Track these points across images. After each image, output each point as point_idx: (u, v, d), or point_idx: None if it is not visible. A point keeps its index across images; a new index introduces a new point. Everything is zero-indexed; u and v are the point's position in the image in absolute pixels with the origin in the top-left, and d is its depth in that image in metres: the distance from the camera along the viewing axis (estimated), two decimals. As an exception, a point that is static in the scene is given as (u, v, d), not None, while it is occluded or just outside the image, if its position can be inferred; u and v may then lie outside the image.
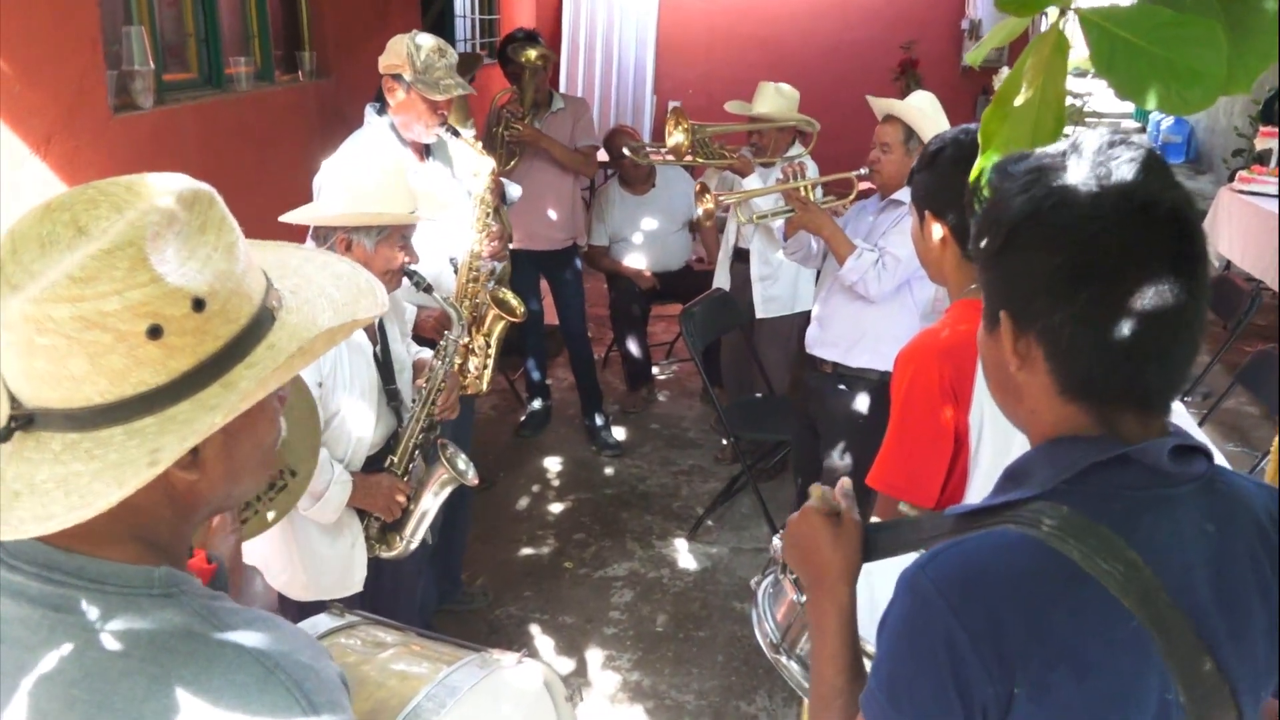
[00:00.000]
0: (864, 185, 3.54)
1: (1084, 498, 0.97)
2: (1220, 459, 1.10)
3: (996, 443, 1.69)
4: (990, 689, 0.92)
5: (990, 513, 1.02)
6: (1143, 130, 11.72)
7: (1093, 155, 0.96)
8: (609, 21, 9.21)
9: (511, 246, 3.88)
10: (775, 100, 4.23)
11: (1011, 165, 1.00)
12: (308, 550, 2.39)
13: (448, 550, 3.43)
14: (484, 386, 3.33)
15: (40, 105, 2.62)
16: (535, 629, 3.53)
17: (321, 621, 1.87)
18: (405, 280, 2.44)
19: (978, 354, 1.12)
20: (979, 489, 1.72)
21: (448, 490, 2.54)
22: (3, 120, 2.51)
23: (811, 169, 3.95)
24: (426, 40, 3.01)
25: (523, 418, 5.16)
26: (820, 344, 3.32)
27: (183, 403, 0.86)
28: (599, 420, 4.98)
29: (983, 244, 1.03)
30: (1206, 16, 0.86)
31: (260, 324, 0.91)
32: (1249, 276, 5.83)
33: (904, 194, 3.13)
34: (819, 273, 3.61)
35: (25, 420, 0.85)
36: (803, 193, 3.36)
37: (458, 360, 2.92)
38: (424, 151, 3.17)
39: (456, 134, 3.12)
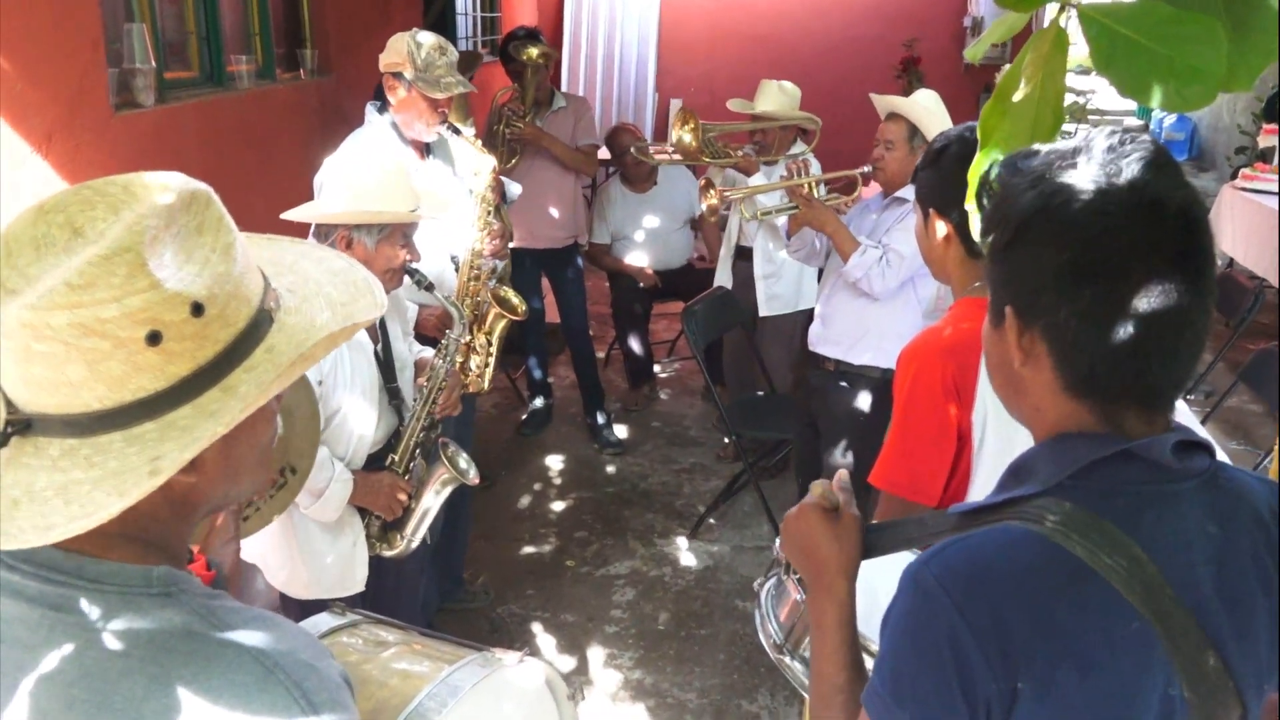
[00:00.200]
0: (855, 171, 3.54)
1: (1087, 494, 0.97)
2: (1223, 457, 1.10)
3: (999, 441, 1.69)
4: (994, 685, 0.92)
5: (994, 509, 1.02)
6: (1146, 128, 11.71)
7: (1103, 153, 0.96)
8: (610, 19, 9.21)
9: (513, 245, 3.88)
10: (778, 98, 4.23)
11: (1021, 161, 1.00)
12: (309, 549, 2.38)
13: (449, 549, 3.43)
14: (485, 385, 3.33)
15: (41, 103, 2.62)
16: (537, 627, 3.53)
17: (323, 620, 1.87)
18: (407, 279, 2.44)
19: (981, 351, 1.12)
20: (982, 487, 1.71)
21: (449, 489, 2.54)
22: (3, 118, 2.51)
23: (814, 166, 3.95)
24: (427, 38, 3.01)
25: (524, 416, 5.16)
26: (823, 342, 3.32)
27: (182, 408, 0.85)
28: (600, 418, 4.98)
29: (990, 239, 1.03)
30: (1208, 13, 0.86)
31: (258, 326, 0.90)
32: (1252, 274, 5.83)
33: (907, 191, 3.13)
34: (821, 271, 3.60)
35: (22, 425, 0.84)
36: (806, 189, 3.36)
37: (459, 359, 2.92)
38: (425, 150, 3.17)
39: (457, 132, 3.12)
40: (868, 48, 9.00)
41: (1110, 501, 0.96)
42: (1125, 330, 0.93)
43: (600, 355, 5.71)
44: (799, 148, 4.27)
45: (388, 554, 2.51)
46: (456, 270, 3.15)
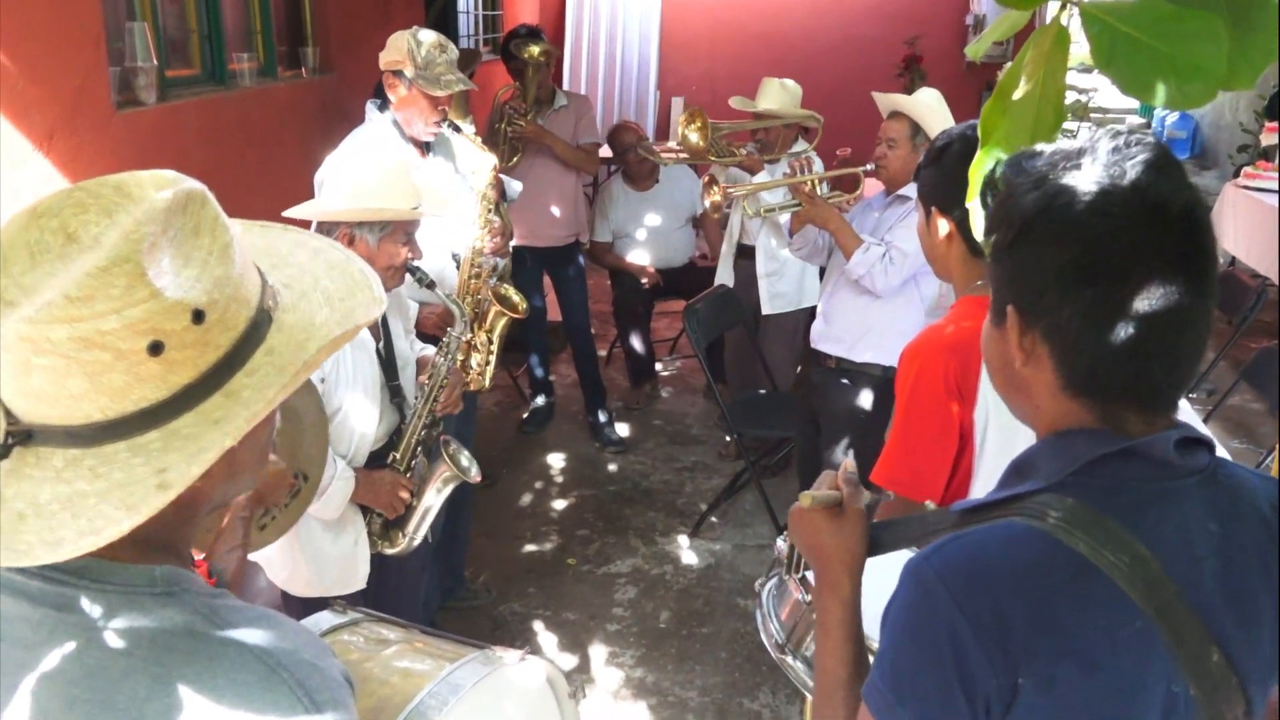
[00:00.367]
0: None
1: (1090, 490, 0.97)
2: (1225, 455, 1.10)
3: (1001, 439, 1.69)
4: (994, 681, 0.92)
5: (996, 506, 1.02)
6: (1148, 126, 11.70)
7: (1107, 154, 0.96)
8: (612, 17, 9.20)
9: (514, 243, 3.88)
10: (779, 96, 4.23)
11: (1025, 161, 1.00)
12: (310, 547, 2.39)
13: (451, 547, 3.43)
14: (486, 383, 3.33)
15: (42, 102, 2.62)
16: (538, 626, 3.53)
17: (324, 618, 1.87)
18: (408, 276, 2.44)
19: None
20: (983, 486, 1.71)
21: (450, 487, 2.55)
22: (5, 117, 2.51)
23: (816, 164, 3.95)
24: (427, 36, 3.01)
25: (526, 414, 5.16)
26: (825, 339, 3.32)
27: (185, 415, 0.84)
28: (602, 417, 4.98)
29: (993, 238, 1.02)
30: (1209, 11, 0.85)
31: (258, 327, 0.89)
32: (1254, 272, 5.82)
33: (910, 189, 3.13)
34: (823, 270, 3.60)
35: (23, 436, 0.83)
36: (809, 187, 3.36)
37: (460, 357, 2.92)
38: (426, 147, 3.17)
39: (458, 130, 3.12)
40: (869, 46, 8.99)
41: (1112, 498, 0.96)
42: (1127, 331, 0.93)
43: (602, 353, 5.71)
44: (800, 146, 4.27)
45: (389, 552, 2.51)
46: (458, 268, 3.15)
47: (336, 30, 4.54)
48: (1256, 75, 0.90)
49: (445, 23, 6.10)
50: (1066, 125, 1.00)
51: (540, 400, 5.16)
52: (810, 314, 3.78)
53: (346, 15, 4.62)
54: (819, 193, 3.41)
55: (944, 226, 1.88)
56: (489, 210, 3.18)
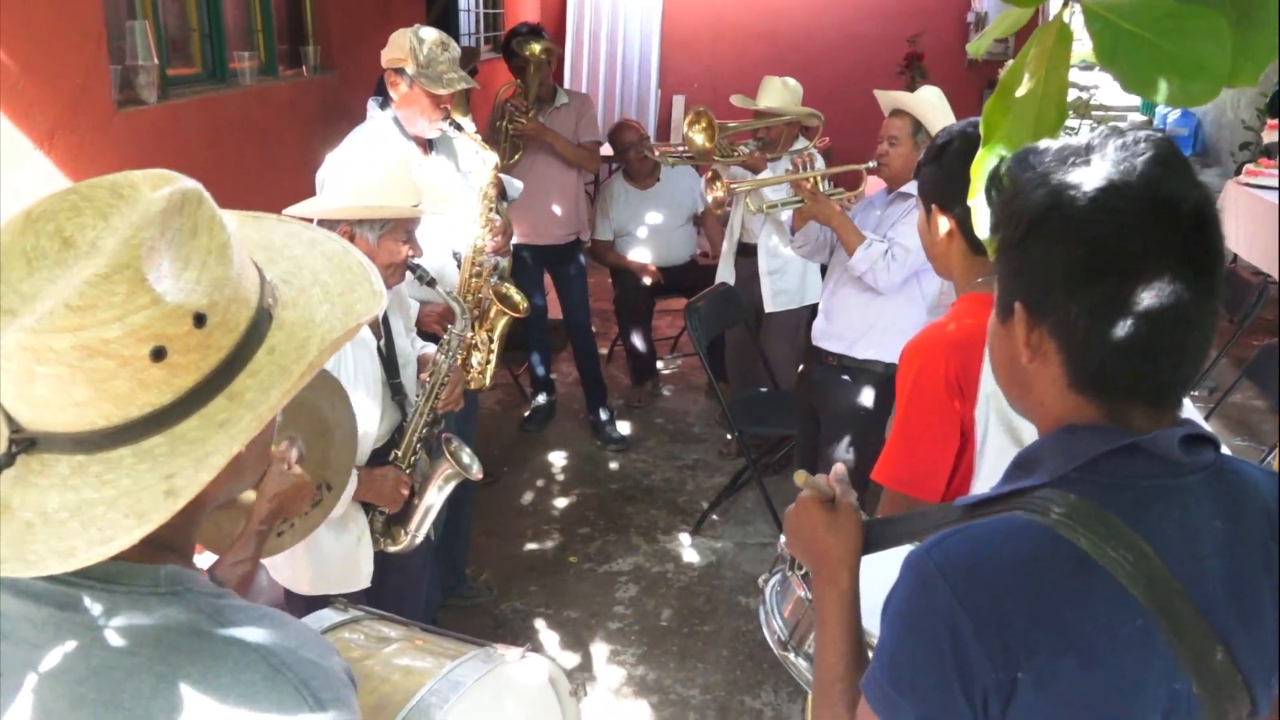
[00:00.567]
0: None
1: (1093, 486, 0.96)
2: (1226, 453, 1.10)
3: (1002, 438, 1.68)
4: (993, 676, 0.92)
5: (998, 501, 1.01)
6: (1149, 123, 11.70)
7: (1115, 150, 0.95)
8: (613, 15, 9.20)
9: (515, 241, 3.88)
10: (781, 94, 4.23)
11: (1033, 156, 0.99)
12: (313, 544, 2.38)
13: (452, 545, 3.43)
14: (487, 381, 3.33)
15: (43, 100, 2.62)
16: (540, 624, 3.53)
17: (326, 616, 1.88)
18: (409, 274, 2.44)
19: (985, 347, 1.12)
20: (984, 484, 1.71)
21: (452, 484, 2.55)
22: (6, 116, 2.51)
23: (818, 161, 3.95)
24: (429, 34, 3.00)
25: (527, 413, 5.16)
26: (826, 336, 3.32)
27: (190, 419, 0.84)
28: (603, 415, 4.98)
29: (999, 235, 1.02)
30: (1212, 8, 0.85)
31: (259, 326, 0.89)
32: (1256, 270, 5.81)
33: (912, 187, 3.13)
34: (825, 267, 3.60)
35: (27, 443, 0.83)
36: (812, 184, 3.36)
37: (461, 355, 2.92)
38: (428, 145, 3.17)
39: (460, 128, 3.12)
40: (870, 43, 9.00)
41: (1116, 495, 0.96)
42: (1136, 329, 0.93)
43: (603, 351, 5.71)
44: (801, 144, 4.27)
45: (392, 549, 2.51)
46: (459, 267, 3.15)
47: (337, 29, 4.54)
48: (1259, 72, 0.90)
49: (446, 21, 6.10)
50: (1068, 123, 1.00)
51: (541, 398, 5.16)
52: (812, 312, 3.77)
53: (347, 14, 4.62)
54: (822, 190, 3.41)
55: (944, 224, 1.87)
56: (490, 209, 3.18)
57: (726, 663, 3.33)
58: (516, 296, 3.35)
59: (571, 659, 3.32)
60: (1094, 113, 7.96)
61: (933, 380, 1.79)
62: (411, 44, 2.96)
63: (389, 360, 2.44)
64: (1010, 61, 1.01)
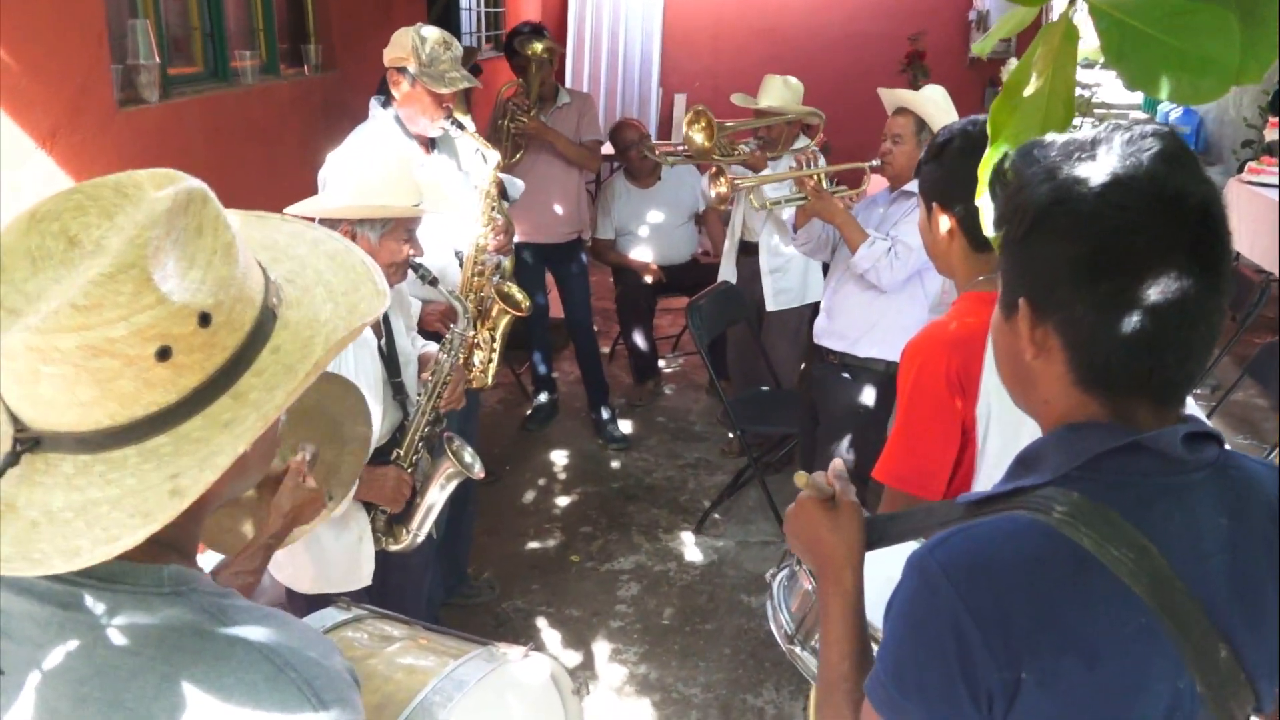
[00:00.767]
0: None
1: (1096, 484, 0.96)
2: (1230, 449, 1.10)
3: (1004, 436, 1.68)
4: (996, 675, 0.92)
5: (1001, 499, 1.01)
6: (1151, 121, 11.68)
7: (1122, 145, 0.94)
8: (615, 14, 9.20)
9: (516, 240, 3.88)
10: (782, 93, 4.23)
11: (1038, 150, 0.98)
12: (314, 543, 2.38)
13: (454, 544, 3.43)
14: (489, 380, 3.33)
15: (45, 99, 2.62)
16: (542, 622, 3.53)
17: (328, 615, 1.88)
18: (410, 273, 2.44)
19: (986, 346, 1.11)
20: (985, 482, 1.71)
21: (454, 483, 2.55)
22: (7, 115, 2.51)
23: (821, 159, 3.94)
24: (431, 33, 3.00)
25: (529, 411, 5.16)
26: (828, 334, 3.32)
27: (194, 418, 0.84)
28: (605, 414, 4.98)
29: (1004, 230, 1.01)
30: (1219, 4, 0.85)
31: (263, 326, 0.89)
32: (1258, 268, 5.81)
33: (915, 185, 3.13)
34: (827, 266, 3.60)
35: (32, 443, 0.83)
36: (815, 181, 3.36)
37: (463, 354, 2.92)
38: (429, 144, 3.17)
39: (461, 127, 3.12)
40: (872, 42, 8.99)
41: (1119, 493, 0.96)
42: (1142, 325, 0.92)
43: (605, 350, 5.71)
44: (802, 143, 4.27)
45: (393, 548, 2.51)
46: (460, 266, 3.15)
47: (339, 27, 4.54)
48: (1265, 69, 0.89)
49: (448, 19, 6.10)
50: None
51: (543, 397, 5.16)
52: (814, 310, 3.77)
53: (349, 12, 4.62)
54: (825, 187, 3.41)
55: (945, 222, 1.87)
56: (492, 208, 3.18)
57: (728, 661, 3.33)
58: (518, 295, 3.35)
59: (573, 657, 3.32)
60: (1095, 110, 7.96)
61: (934, 378, 1.79)
62: (414, 43, 2.96)
63: (390, 359, 2.44)
64: (1012, 60, 1.01)
